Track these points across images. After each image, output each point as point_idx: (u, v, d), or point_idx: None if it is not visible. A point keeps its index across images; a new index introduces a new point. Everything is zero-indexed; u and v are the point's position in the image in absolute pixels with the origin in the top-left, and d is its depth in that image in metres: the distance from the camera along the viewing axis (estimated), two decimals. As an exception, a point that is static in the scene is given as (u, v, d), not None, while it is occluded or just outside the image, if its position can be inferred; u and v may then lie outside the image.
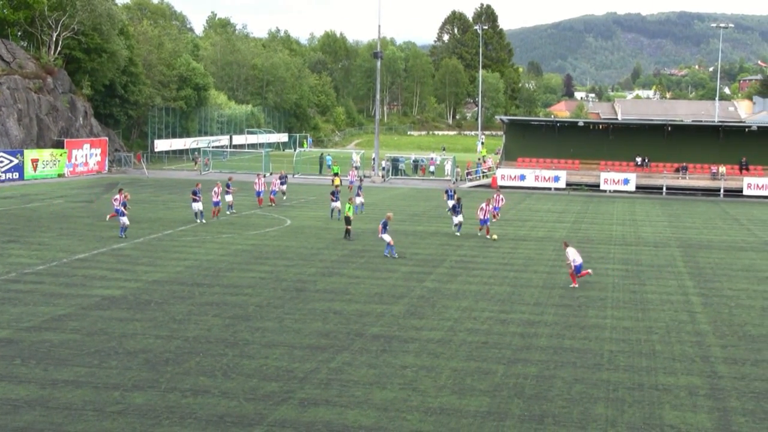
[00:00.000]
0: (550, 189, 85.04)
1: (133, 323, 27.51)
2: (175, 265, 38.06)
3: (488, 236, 48.96)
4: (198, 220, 52.37)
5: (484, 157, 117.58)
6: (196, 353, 24.34)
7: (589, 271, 36.82)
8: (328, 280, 35.77)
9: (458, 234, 49.72)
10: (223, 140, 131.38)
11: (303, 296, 32.31)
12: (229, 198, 57.59)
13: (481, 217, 49.37)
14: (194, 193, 52.56)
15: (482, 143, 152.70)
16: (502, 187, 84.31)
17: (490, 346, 25.96)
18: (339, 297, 32.31)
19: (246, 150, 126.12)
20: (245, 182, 73.93)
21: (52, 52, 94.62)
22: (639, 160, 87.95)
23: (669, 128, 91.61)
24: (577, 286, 35.45)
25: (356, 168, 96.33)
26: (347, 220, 47.87)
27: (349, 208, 48.37)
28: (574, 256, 35.62)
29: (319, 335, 26.63)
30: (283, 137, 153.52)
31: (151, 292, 32.43)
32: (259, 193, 62.90)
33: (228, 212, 56.81)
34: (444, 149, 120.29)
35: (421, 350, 25.26)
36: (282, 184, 68.68)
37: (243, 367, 23.21)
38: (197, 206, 52.41)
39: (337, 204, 56.11)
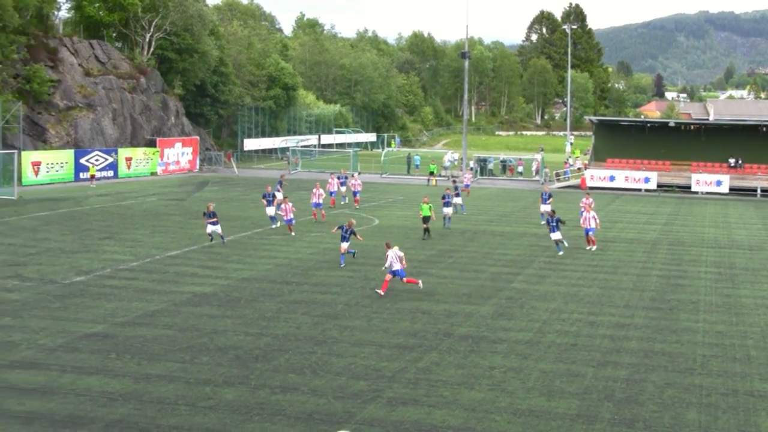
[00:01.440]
0: (640, 190, 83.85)
1: (223, 320, 27.86)
2: (264, 263, 38.44)
3: (588, 247, 45.27)
4: (273, 225, 50.01)
5: (571, 158, 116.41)
6: (286, 350, 24.55)
7: (419, 282, 32.98)
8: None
9: (561, 253, 43.33)
10: (312, 139, 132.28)
11: (391, 295, 32.34)
12: (280, 196, 54.03)
13: (586, 226, 45.63)
14: (264, 197, 50.27)
15: (571, 143, 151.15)
16: (591, 188, 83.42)
17: (580, 348, 25.71)
18: (427, 297, 32.28)
19: (334, 149, 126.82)
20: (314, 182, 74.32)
21: (145, 53, 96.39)
22: (732, 161, 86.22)
23: (764, 129, 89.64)
24: (382, 293, 32.08)
25: (445, 168, 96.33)
26: (425, 220, 47.62)
27: (428, 207, 47.73)
28: (393, 259, 32.20)
29: (407, 335, 26.66)
30: (371, 137, 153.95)
31: (241, 289, 32.81)
32: (331, 193, 62.22)
33: (280, 211, 51.86)
34: (542, 149, 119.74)
35: (509, 351, 25.13)
36: (342, 185, 65.69)
37: (332, 365, 23.34)
38: (270, 211, 49.97)
39: (448, 210, 52.49)
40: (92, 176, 76.68)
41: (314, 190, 54.77)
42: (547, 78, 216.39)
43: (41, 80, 79.52)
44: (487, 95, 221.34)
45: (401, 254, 32.64)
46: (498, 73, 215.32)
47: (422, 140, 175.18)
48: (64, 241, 43.39)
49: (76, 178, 76.64)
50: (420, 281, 33.06)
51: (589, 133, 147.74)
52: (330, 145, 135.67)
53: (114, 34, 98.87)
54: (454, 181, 74.84)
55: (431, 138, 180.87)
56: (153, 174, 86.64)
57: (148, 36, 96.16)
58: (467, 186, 74.84)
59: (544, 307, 31.15)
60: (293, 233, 46.91)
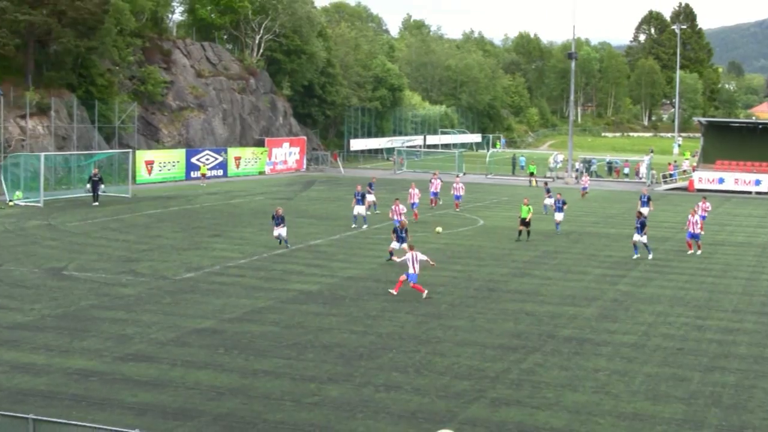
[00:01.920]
0: (750, 193, 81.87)
1: (328, 318, 28.12)
2: (369, 262, 38.67)
3: (690, 251, 44.21)
4: (354, 224, 49.83)
5: (678, 159, 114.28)
6: (390, 349, 24.66)
7: (425, 292, 31.63)
8: (520, 280, 35.60)
9: (647, 257, 41.99)
10: (417, 140, 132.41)
11: (495, 296, 32.26)
12: (371, 198, 55.11)
13: (691, 230, 44.37)
14: (355, 195, 50.13)
15: (679, 145, 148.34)
16: (699, 190, 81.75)
17: (686, 352, 25.26)
18: (531, 298, 32.10)
19: (439, 150, 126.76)
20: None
21: (254, 54, 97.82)
22: None
23: None
24: (395, 293, 31.59)
25: (550, 170, 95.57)
26: (522, 222, 46.93)
27: (527, 209, 47.09)
28: (411, 261, 31.25)
29: (510, 335, 26.54)
30: (476, 137, 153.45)
31: (346, 287, 33.06)
32: (435, 194, 61.01)
33: (369, 212, 52.79)
34: (652, 152, 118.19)
35: (614, 354, 24.82)
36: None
37: (435, 364, 23.36)
38: (359, 209, 49.71)
39: (559, 216, 50.91)
40: (203, 175, 78.07)
41: (411, 191, 55.02)
42: (655, 79, 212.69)
43: (155, 81, 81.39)
44: (593, 96, 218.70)
45: (423, 257, 31.75)
46: (605, 74, 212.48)
47: (527, 141, 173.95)
48: (175, 238, 44.30)
49: (187, 177, 78.14)
50: (426, 291, 31.60)
51: (698, 135, 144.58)
52: (435, 146, 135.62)
53: (225, 36, 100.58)
54: (546, 183, 73.85)
55: (537, 139, 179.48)
56: (261, 173, 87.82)
57: (257, 38, 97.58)
58: (584, 189, 74.51)
59: (649, 310, 30.68)
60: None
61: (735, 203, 73.39)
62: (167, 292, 31.44)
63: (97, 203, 58.21)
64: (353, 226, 49.81)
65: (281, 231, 41.65)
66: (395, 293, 31.71)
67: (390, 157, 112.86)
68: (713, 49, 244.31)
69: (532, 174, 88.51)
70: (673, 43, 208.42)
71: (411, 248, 31.96)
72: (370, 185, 57.15)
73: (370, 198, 55.44)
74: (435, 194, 61.08)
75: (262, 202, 61.16)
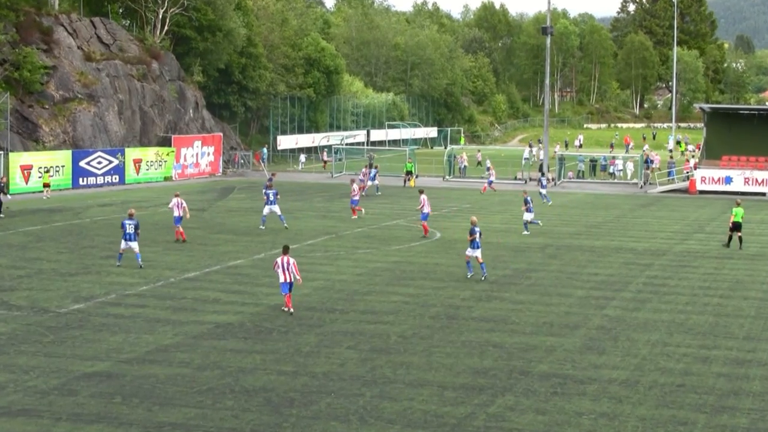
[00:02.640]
0: (764, 194, 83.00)
1: (251, 356, 27.97)
2: (301, 287, 38.49)
3: None
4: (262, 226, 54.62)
5: (672, 156, 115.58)
6: (327, 393, 24.59)
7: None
8: (486, 305, 35.69)
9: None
10: (359, 136, 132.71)
11: (455, 325, 32.30)
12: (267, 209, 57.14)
13: None
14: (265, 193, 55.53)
15: (678, 142, 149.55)
16: (701, 192, 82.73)
17: (688, 389, 25.47)
18: (499, 327, 32.19)
19: (386, 147, 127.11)
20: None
21: (157, 33, 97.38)
22: None
23: None
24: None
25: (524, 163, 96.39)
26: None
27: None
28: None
29: (475, 373, 26.59)
30: (432, 132, 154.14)
31: (273, 318, 32.92)
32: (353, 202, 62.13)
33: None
34: (647, 148, 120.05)
35: (600, 393, 24.96)
36: (372, 179, 75.63)
37: (383, 410, 23.33)
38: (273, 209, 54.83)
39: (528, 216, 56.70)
40: (46, 185, 73.31)
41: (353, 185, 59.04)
42: (647, 57, 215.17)
43: (33, 66, 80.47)
44: (573, 80, 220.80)
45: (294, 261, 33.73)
46: (587, 53, 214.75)
47: (494, 135, 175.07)
48: (59, 261, 43.87)
49: (75, 185, 77.53)
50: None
51: (700, 125, 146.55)
52: (381, 143, 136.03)
53: (120, 11, 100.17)
54: (525, 192, 75.05)
55: (505, 133, 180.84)
56: (167, 179, 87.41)
57: (161, 12, 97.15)
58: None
59: (643, 339, 30.90)
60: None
61: (745, 207, 74.10)
62: (49, 328, 31.08)
63: (2, 215, 58.09)
64: (261, 227, 53.31)
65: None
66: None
67: (324, 158, 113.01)
68: (717, 21, 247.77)
69: (408, 173, 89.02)
70: (669, 14, 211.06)
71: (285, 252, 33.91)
72: (270, 180, 60.49)
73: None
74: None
75: (168, 215, 60.79)
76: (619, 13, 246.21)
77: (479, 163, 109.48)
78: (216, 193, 77.17)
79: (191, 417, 22.61)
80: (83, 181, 78.55)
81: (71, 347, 28.64)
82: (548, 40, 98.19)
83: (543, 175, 76.53)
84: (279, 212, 55.45)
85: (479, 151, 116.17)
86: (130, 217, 42.86)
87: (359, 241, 51.29)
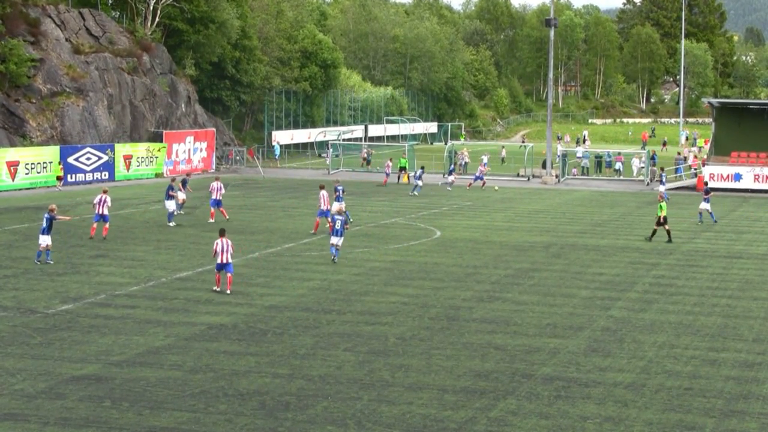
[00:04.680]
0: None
1: (245, 358, 27.97)
2: (297, 287, 38.56)
3: None
4: (170, 223, 55.38)
5: (680, 152, 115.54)
6: (324, 396, 24.59)
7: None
8: (488, 306, 35.70)
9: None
10: (357, 131, 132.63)
11: (456, 327, 32.31)
12: (182, 196, 58.97)
13: None
14: (171, 189, 55.86)
15: (687, 137, 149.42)
16: (711, 189, 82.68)
17: (696, 393, 25.48)
18: (501, 328, 32.21)
19: (384, 143, 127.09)
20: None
21: (148, 24, 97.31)
22: None
23: None
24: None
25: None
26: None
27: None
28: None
29: (476, 376, 26.59)
30: (432, 127, 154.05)
31: (268, 319, 32.92)
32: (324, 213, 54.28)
33: (178, 212, 57.68)
34: (665, 144, 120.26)
35: (605, 397, 24.97)
36: (417, 178, 76.72)
37: (381, 414, 23.34)
38: (171, 205, 55.80)
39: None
40: (59, 178, 77.18)
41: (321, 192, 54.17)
42: (654, 50, 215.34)
43: (19, 59, 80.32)
44: (577, 73, 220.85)
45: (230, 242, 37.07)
46: (591, 46, 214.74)
47: (496, 131, 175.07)
48: (46, 260, 43.81)
49: (63, 182, 77.35)
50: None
51: (708, 120, 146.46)
52: (380, 138, 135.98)
53: (110, 2, 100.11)
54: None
55: (507, 128, 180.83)
56: (158, 175, 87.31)
57: (152, 3, 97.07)
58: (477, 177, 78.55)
59: (650, 341, 30.92)
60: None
61: (755, 205, 74.32)
62: (37, 329, 31.06)
63: None
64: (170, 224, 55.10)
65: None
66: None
67: (322, 153, 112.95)
68: (727, 13, 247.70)
69: (402, 169, 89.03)
70: (677, 5, 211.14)
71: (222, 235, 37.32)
72: (184, 183, 60.43)
73: (182, 195, 59.04)
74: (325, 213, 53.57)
75: (160, 213, 60.78)
76: (625, 4, 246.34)
77: (503, 160, 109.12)
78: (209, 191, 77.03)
79: (183, 421, 22.61)
80: (71, 177, 78.40)
81: (59, 349, 28.62)
82: (551, 33, 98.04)
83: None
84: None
85: (503, 147, 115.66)
86: (51, 212, 43.24)
87: (357, 239, 51.28)
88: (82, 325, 31.60)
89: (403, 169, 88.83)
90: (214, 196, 56.97)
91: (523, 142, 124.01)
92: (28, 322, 31.97)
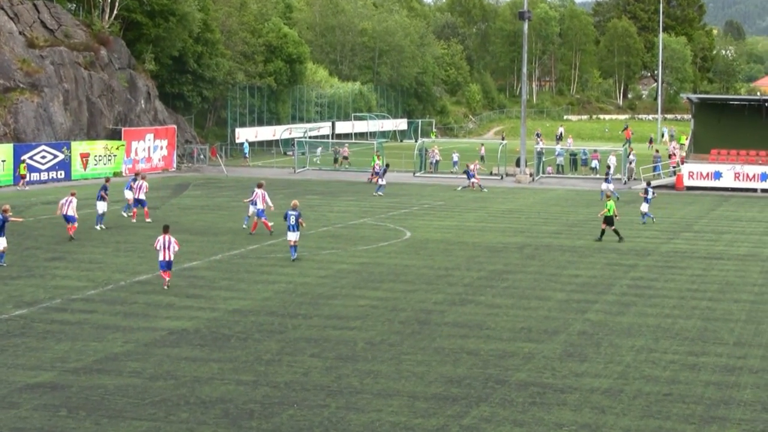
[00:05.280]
0: (755, 191, 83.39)
1: (208, 364, 27.90)
2: (262, 290, 38.50)
3: None
4: (98, 226, 54.54)
5: (659, 150, 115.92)
6: (290, 404, 24.55)
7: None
8: (460, 309, 35.72)
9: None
10: (324, 128, 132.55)
11: (427, 331, 32.31)
12: (129, 195, 58.83)
13: None
14: (104, 189, 55.65)
15: (672, 135, 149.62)
16: (689, 188, 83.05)
17: (675, 399, 25.56)
18: (474, 332, 32.23)
19: (353, 140, 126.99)
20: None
21: (106, 17, 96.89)
22: None
23: None
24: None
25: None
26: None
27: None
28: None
29: (448, 382, 26.60)
30: (402, 124, 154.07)
31: (231, 324, 32.84)
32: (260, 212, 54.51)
33: (98, 226, 54.95)
34: (651, 142, 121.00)
35: (582, 403, 25.01)
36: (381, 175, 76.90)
37: (349, 422, 23.31)
38: (102, 206, 55.02)
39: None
40: (22, 176, 76.72)
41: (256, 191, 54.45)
42: (631, 44, 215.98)
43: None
44: (552, 68, 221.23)
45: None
46: (567, 39, 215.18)
47: (468, 128, 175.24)
48: (0, 263, 43.58)
49: (16, 181, 76.95)
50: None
51: (687, 117, 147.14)
52: (347, 135, 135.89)
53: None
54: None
55: (479, 125, 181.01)
56: (117, 174, 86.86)
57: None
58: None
59: (628, 344, 31.00)
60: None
61: (735, 204, 74.65)
62: (-10, 335, 30.93)
63: None
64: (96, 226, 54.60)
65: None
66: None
67: (287, 152, 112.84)
68: (706, 6, 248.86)
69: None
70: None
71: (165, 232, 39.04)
72: (104, 188, 57.63)
73: (129, 195, 59.02)
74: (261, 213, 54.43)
75: (118, 214, 60.56)
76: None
77: (482, 158, 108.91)
78: (170, 190, 76.89)
79: (143, 431, 22.52)
80: (26, 176, 77.92)
81: (13, 356, 28.48)
82: (525, 26, 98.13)
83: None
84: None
85: (482, 145, 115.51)
86: (4, 212, 43.15)
87: (324, 240, 51.23)
88: (37, 331, 31.45)
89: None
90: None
91: (503, 139, 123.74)
92: (-20, 328, 31.80)
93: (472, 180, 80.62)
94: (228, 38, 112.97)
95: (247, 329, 32.14)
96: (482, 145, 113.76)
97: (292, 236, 44.88)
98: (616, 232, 53.03)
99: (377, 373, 27.37)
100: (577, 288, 40.26)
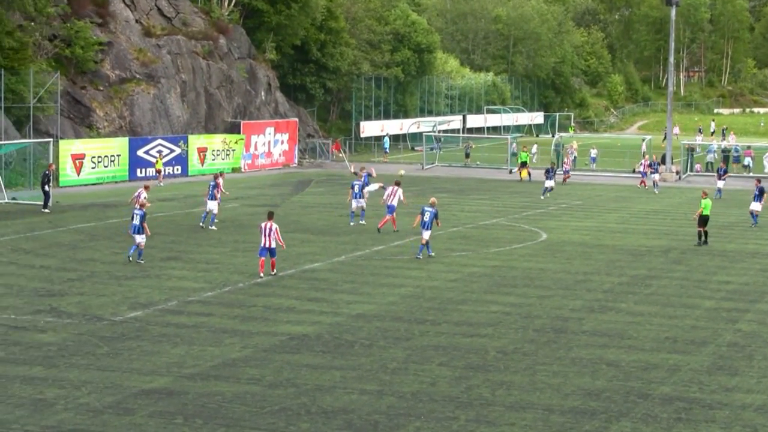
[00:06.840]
0: None
1: (330, 372, 28.04)
2: (387, 294, 38.58)
3: None
4: (203, 224, 54.83)
5: None
6: (416, 416, 24.60)
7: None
8: (600, 317, 35.49)
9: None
10: (454, 122, 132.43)
11: (564, 340, 32.17)
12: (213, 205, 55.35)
13: None
14: (215, 187, 54.67)
15: None
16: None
17: (835, 417, 25.15)
18: (614, 342, 32.01)
19: (485, 135, 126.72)
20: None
21: (225, 4, 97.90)
22: None
23: None
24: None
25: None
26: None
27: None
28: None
29: (586, 395, 26.46)
30: (538, 117, 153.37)
31: (354, 330, 32.99)
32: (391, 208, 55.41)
33: (211, 225, 54.73)
34: None
35: (732, 420, 24.71)
36: (550, 177, 74.08)
37: (480, 436, 23.31)
38: (212, 205, 54.61)
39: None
40: (158, 171, 78.13)
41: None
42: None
43: (86, 43, 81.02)
44: (701, 58, 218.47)
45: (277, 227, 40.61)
46: (718, 26, 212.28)
47: (609, 122, 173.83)
48: (114, 262, 44.29)
49: (132, 177, 78.01)
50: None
51: None
52: (479, 129, 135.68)
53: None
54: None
55: (622, 119, 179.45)
56: (236, 170, 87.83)
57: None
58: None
59: (783, 358, 30.57)
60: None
61: None
62: (103, 338, 31.39)
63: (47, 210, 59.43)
64: (201, 225, 54.86)
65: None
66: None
67: (415, 147, 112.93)
68: None
69: (524, 164, 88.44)
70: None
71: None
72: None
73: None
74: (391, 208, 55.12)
75: (237, 212, 61.20)
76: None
77: (644, 155, 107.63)
78: (291, 187, 77.42)
79: (262, 441, 22.73)
80: (141, 172, 78.89)
81: (128, 360, 28.90)
82: (673, 12, 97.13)
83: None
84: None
85: (644, 140, 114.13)
86: (141, 207, 44.79)
87: (453, 242, 51.22)
88: (152, 334, 31.89)
89: (524, 164, 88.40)
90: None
91: (676, 134, 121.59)
92: (94, 330, 32.32)
93: (653, 177, 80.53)
94: (353, 26, 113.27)
95: (372, 335, 32.25)
96: (644, 140, 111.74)
97: (425, 234, 45.47)
98: (705, 233, 52.30)
99: (510, 384, 27.31)
100: (728, 295, 39.74)
